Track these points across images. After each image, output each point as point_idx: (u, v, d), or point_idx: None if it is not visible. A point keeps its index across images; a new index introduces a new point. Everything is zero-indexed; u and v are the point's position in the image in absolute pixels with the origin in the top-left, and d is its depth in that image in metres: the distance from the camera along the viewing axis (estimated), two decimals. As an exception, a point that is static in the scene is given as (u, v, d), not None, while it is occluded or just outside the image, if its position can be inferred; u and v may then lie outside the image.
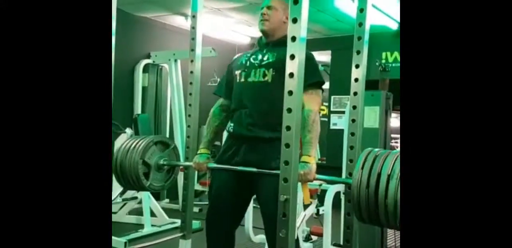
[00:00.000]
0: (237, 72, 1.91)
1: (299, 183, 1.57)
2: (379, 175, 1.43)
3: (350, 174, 1.86)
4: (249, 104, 1.84)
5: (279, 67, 1.74)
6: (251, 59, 1.90)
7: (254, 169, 1.74)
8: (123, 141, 2.14)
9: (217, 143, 4.50)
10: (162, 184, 2.14)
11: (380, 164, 1.45)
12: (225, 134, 2.02)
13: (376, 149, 1.57)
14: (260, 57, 1.87)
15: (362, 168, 1.49)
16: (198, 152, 1.98)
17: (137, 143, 2.03)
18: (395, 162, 1.43)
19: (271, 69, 1.80)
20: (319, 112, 6.73)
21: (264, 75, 1.81)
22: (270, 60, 1.83)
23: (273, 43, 1.89)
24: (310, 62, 1.63)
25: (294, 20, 1.36)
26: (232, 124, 1.89)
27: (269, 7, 1.86)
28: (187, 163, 2.09)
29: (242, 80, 1.88)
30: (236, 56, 2.05)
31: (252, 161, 1.78)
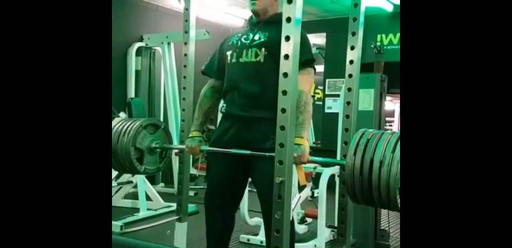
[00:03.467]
0: (229, 53, 1.87)
1: (294, 165, 1.56)
2: (371, 161, 1.47)
3: (345, 156, 1.87)
4: (241, 85, 1.80)
5: (271, 46, 1.73)
6: (242, 39, 1.85)
7: (248, 152, 1.73)
8: (112, 125, 2.09)
9: (212, 127, 4.51)
10: (157, 166, 2.13)
11: (372, 149, 1.49)
12: (219, 117, 2.01)
13: (370, 130, 1.59)
14: (251, 36, 1.83)
15: (355, 154, 1.51)
16: (190, 135, 1.96)
17: (126, 128, 1.99)
18: (387, 147, 1.47)
19: (263, 49, 1.76)
20: (314, 96, 6.70)
21: (256, 55, 1.77)
22: (262, 40, 1.79)
23: (264, 21, 1.85)
24: (300, 40, 1.51)
25: (289, 1, 1.33)
26: (225, 105, 1.88)
27: None
28: (180, 146, 2.08)
29: (234, 60, 1.83)
30: (227, 36, 1.98)
31: (245, 140, 1.77)
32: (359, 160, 1.49)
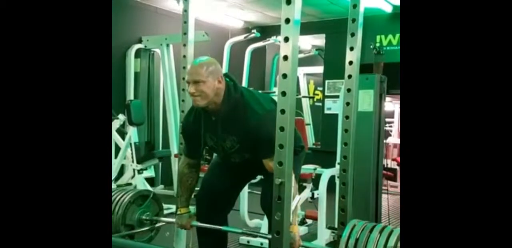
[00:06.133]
0: (215, 154, 1.93)
1: None
2: None
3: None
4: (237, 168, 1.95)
5: (247, 148, 1.77)
6: (219, 144, 1.81)
7: (240, 230, 1.86)
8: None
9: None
10: (150, 235, 2.14)
11: None
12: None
13: (360, 224, 1.62)
14: (223, 143, 1.80)
15: None
16: (178, 212, 1.98)
17: (115, 205, 1.99)
18: None
19: (244, 154, 1.82)
20: (313, 97, 6.65)
21: (242, 157, 1.84)
22: (237, 147, 1.78)
23: (219, 114, 1.77)
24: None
25: (288, 2, 1.33)
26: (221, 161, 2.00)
27: (195, 83, 1.69)
28: (169, 220, 2.09)
29: (225, 159, 1.91)
30: (186, 121, 1.93)
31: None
32: None
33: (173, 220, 2.03)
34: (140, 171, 3.88)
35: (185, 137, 1.96)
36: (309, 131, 6.20)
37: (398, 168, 5.19)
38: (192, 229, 2.22)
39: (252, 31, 5.19)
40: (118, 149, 3.99)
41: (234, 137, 1.77)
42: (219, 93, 1.73)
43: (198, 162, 1.99)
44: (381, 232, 1.56)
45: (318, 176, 2.82)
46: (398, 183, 4.97)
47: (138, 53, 4.83)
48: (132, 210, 2.04)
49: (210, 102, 1.73)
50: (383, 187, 3.16)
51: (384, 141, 3.64)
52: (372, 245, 1.52)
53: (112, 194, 2.06)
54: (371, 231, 1.57)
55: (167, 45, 4.56)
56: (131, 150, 3.93)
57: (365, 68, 2.43)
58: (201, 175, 2.08)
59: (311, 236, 3.11)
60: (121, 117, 4.00)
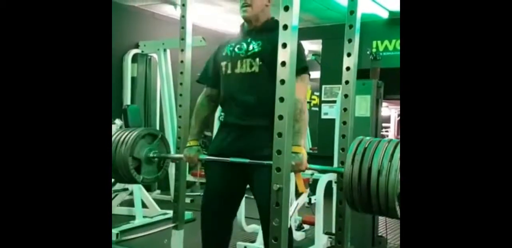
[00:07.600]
0: (223, 64, 1.86)
1: (292, 173, 1.57)
2: (369, 169, 1.48)
3: (342, 163, 1.87)
4: (238, 96, 1.82)
5: (265, 56, 1.75)
6: (236, 49, 1.84)
7: (246, 160, 1.74)
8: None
9: (208, 133, 4.49)
10: (156, 175, 2.12)
11: (370, 158, 1.49)
12: (216, 124, 2.01)
13: (367, 138, 1.59)
14: (245, 46, 1.82)
15: (352, 163, 1.52)
16: (188, 144, 1.95)
17: (124, 138, 1.98)
18: (384, 156, 1.47)
19: (257, 59, 1.77)
20: (310, 102, 6.68)
21: (251, 66, 1.78)
22: (256, 50, 1.79)
23: (256, 30, 1.85)
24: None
25: (286, 8, 1.33)
26: (223, 114, 1.90)
27: None
28: (178, 155, 2.07)
29: (229, 72, 1.83)
30: (220, 44, 1.97)
31: (243, 148, 1.78)
32: (357, 169, 1.49)
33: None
34: (136, 176, 3.86)
35: (212, 64, 1.95)
36: (306, 135, 6.19)
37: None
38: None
39: (250, 36, 5.20)
40: (114, 154, 3.98)
41: (260, 41, 1.80)
42: (265, 11, 1.85)
43: (218, 95, 1.94)
44: (389, 142, 1.52)
45: (315, 182, 2.82)
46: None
47: (135, 58, 4.83)
48: (141, 144, 2.00)
49: (255, 16, 1.82)
50: (380, 192, 3.15)
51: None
52: (381, 152, 1.48)
53: (117, 133, 2.02)
54: (378, 142, 1.53)
55: (164, 50, 4.57)
56: (128, 155, 3.91)
57: (362, 74, 2.44)
58: (201, 180, 2.06)
59: (308, 241, 3.10)
60: (118, 122, 3.99)
